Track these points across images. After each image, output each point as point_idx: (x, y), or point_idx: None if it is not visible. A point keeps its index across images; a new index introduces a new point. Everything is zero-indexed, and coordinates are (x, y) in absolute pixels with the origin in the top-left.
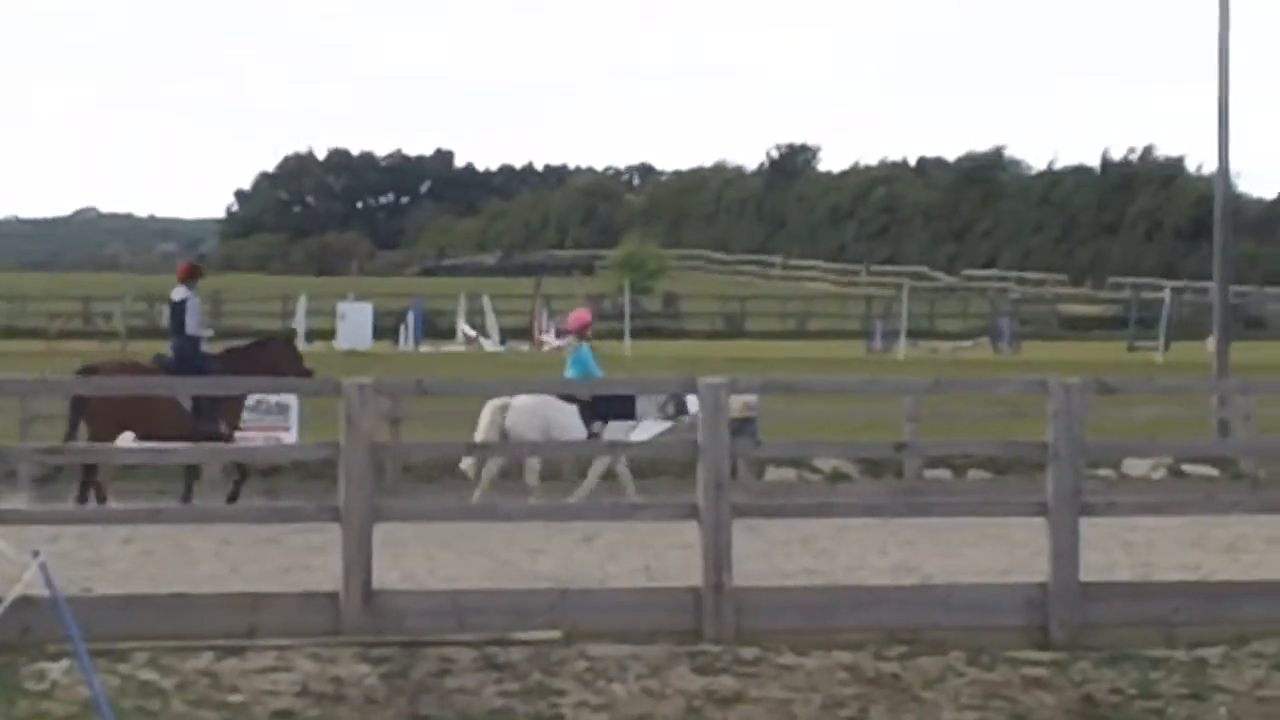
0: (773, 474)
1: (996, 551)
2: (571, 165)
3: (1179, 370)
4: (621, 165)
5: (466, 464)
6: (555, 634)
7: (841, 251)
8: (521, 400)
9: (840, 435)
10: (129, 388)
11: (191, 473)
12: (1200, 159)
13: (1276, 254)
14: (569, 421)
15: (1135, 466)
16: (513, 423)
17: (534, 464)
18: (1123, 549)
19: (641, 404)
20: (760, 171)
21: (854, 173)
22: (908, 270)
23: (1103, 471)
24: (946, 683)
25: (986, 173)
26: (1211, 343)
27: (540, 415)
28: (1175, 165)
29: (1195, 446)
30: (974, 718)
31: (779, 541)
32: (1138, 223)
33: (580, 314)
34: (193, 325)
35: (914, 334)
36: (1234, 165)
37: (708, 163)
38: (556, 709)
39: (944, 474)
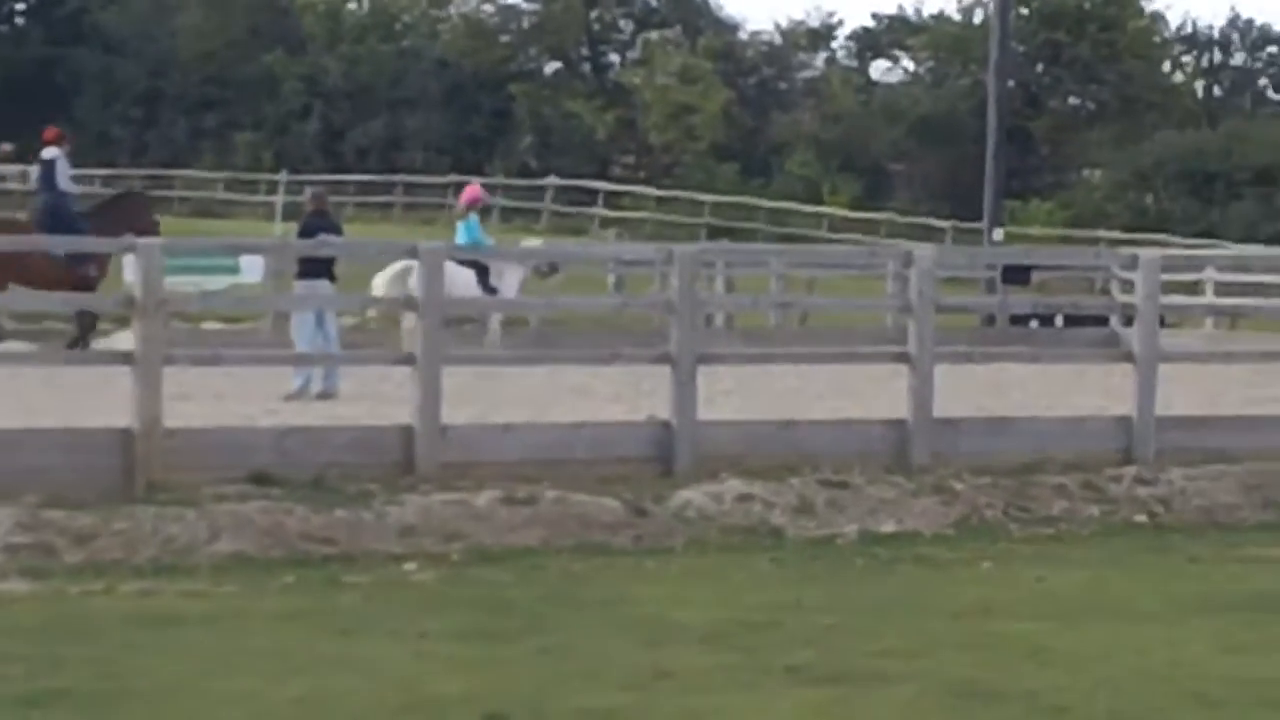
0: None
1: None
2: None
3: None
4: None
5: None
6: None
7: None
8: None
9: None
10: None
11: (85, 317)
12: None
13: None
14: (469, 283)
15: None
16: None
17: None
18: None
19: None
20: None
21: None
22: None
23: None
24: None
25: None
26: None
27: (445, 277)
28: None
29: None
30: None
31: None
32: None
33: (472, 189)
34: (63, 183)
35: None
36: None
37: None
38: None
39: None
